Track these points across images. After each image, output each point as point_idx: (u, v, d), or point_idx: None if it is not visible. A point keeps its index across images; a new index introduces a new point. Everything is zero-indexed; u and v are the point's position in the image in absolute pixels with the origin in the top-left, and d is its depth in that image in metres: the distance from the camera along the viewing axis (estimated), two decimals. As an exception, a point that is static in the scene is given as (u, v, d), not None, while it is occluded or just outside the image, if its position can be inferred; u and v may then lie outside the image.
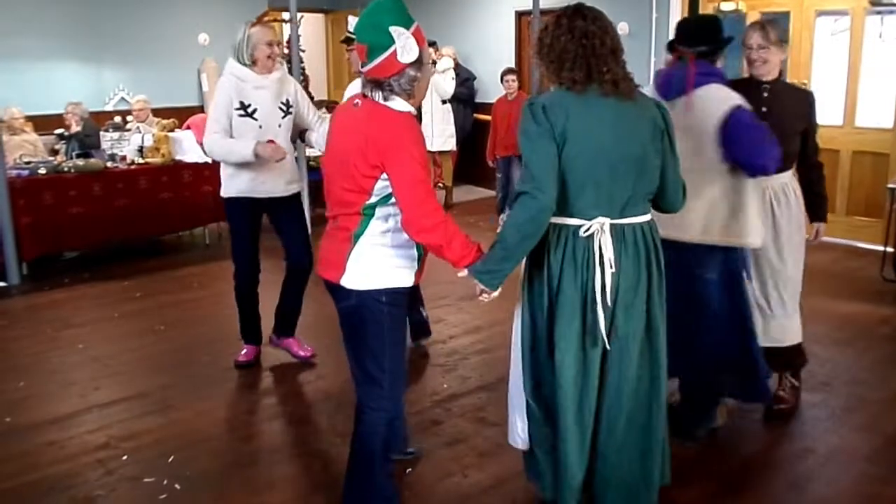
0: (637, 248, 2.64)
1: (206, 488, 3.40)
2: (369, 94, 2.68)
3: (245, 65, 4.18)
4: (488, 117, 8.60)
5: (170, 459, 3.62)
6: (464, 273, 2.68)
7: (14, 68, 9.11)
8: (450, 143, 9.35)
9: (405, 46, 2.60)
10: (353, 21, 4.67)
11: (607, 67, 2.56)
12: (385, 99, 2.65)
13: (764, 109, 3.64)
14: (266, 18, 4.47)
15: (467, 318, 5.41)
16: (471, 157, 9.76)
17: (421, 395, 4.25)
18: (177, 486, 3.40)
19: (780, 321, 3.79)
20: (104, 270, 6.84)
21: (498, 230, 7.78)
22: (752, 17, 7.86)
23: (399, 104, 2.67)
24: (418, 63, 2.64)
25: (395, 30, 2.58)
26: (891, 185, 6.16)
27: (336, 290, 2.80)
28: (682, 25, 3.62)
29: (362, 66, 2.68)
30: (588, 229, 2.59)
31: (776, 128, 3.39)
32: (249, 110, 4.15)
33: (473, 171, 10.06)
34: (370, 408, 2.87)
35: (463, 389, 4.34)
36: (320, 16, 12.63)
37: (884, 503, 3.25)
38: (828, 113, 7.52)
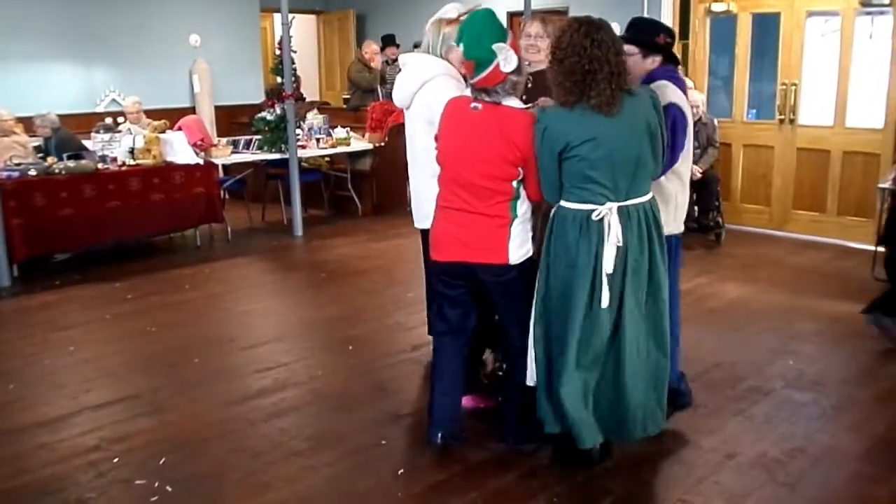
0: (640, 224, 3.19)
1: (198, 490, 3.39)
2: (484, 99, 3.16)
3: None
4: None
5: (161, 461, 3.61)
6: None
7: (4, 69, 9.10)
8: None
9: (506, 59, 3.06)
10: (455, 8, 4.17)
11: (596, 92, 3.01)
12: (500, 101, 3.16)
13: (523, 97, 3.85)
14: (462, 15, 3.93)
15: (459, 319, 5.39)
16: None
17: (413, 396, 4.25)
18: (168, 488, 3.39)
19: None
20: (95, 272, 6.81)
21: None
22: (743, 17, 7.89)
23: (515, 102, 3.20)
24: (518, 70, 3.13)
25: (497, 47, 3.05)
26: (881, 185, 6.18)
27: (495, 269, 3.29)
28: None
29: (471, 79, 3.16)
30: (599, 213, 3.12)
31: None
32: None
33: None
34: (527, 345, 3.40)
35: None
36: (312, 17, 12.63)
37: (876, 503, 3.26)
38: (819, 113, 7.57)
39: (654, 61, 3.58)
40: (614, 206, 3.12)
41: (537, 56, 3.98)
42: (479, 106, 3.17)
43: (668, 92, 3.50)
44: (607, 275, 3.15)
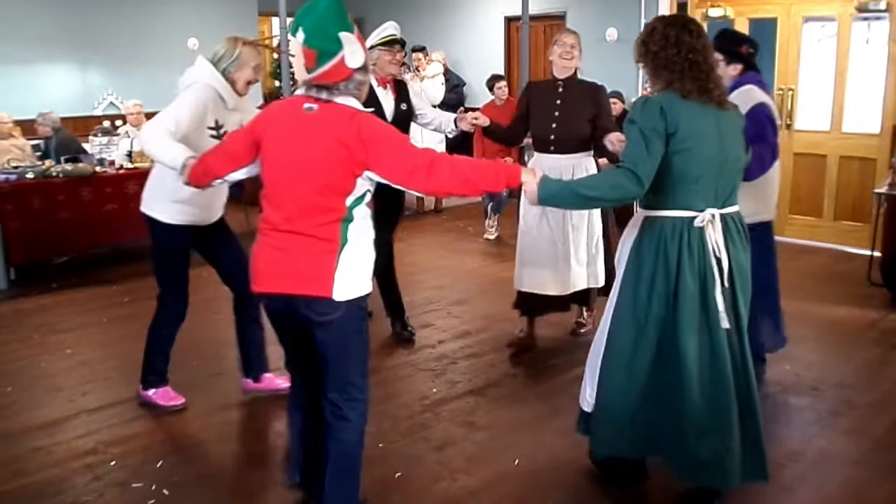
0: (739, 234, 3.01)
1: (194, 493, 3.39)
2: (321, 98, 2.70)
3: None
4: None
5: (158, 465, 3.61)
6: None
7: (2, 72, 9.08)
8: (439, 149, 9.39)
9: (353, 52, 2.65)
10: (394, 26, 4.86)
11: (712, 83, 2.92)
12: (336, 100, 2.69)
13: (558, 102, 4.58)
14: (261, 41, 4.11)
15: (456, 323, 5.41)
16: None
17: (410, 400, 4.25)
18: (165, 491, 3.39)
19: (583, 270, 4.71)
20: (92, 275, 6.81)
21: (486, 235, 7.85)
22: (740, 22, 7.91)
23: (355, 103, 2.72)
24: (364, 68, 2.72)
25: (344, 36, 2.64)
26: (878, 190, 6.19)
27: (317, 304, 2.71)
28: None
29: (309, 72, 2.70)
30: (702, 220, 2.90)
31: (569, 115, 4.53)
32: (221, 132, 3.81)
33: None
34: (355, 415, 2.87)
35: (452, 394, 4.34)
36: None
37: (871, 506, 3.27)
38: (815, 118, 7.59)
39: (735, 68, 4.00)
40: (716, 212, 2.93)
41: (571, 63, 4.59)
42: (315, 106, 2.68)
43: (757, 94, 3.91)
44: (723, 291, 2.92)
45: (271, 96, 8.68)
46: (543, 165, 4.53)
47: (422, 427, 3.94)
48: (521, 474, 3.49)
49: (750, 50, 4.07)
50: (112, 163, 7.31)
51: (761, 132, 3.83)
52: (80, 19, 9.72)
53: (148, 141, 3.49)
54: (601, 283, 4.78)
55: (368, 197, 2.78)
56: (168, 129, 3.50)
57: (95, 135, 7.86)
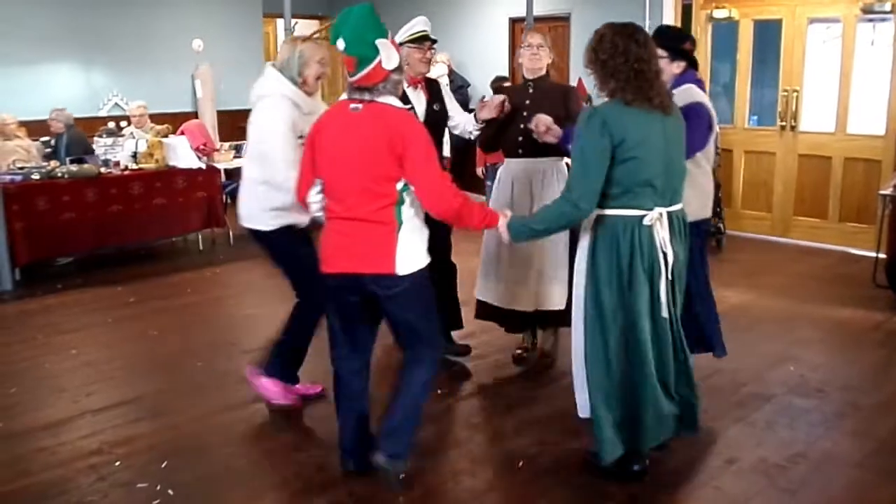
0: (682, 231, 3.26)
1: (199, 494, 3.39)
2: (364, 98, 3.06)
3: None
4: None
5: (163, 465, 3.61)
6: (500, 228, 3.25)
7: (7, 73, 9.11)
8: (445, 149, 9.40)
9: (388, 56, 3.02)
10: (424, 21, 4.88)
11: (654, 91, 3.09)
12: (378, 99, 3.06)
13: (527, 102, 4.33)
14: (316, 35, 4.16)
15: (461, 324, 5.40)
16: (464, 164, 9.77)
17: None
18: (170, 491, 3.39)
19: (548, 288, 4.42)
20: (97, 276, 6.83)
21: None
22: (745, 24, 7.90)
23: (396, 102, 3.10)
24: (399, 69, 3.08)
25: (380, 42, 3.00)
26: (882, 192, 6.18)
27: (382, 281, 3.10)
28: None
29: (351, 76, 3.07)
30: (650, 219, 3.11)
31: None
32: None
33: (467, 177, 10.07)
34: (424, 367, 3.29)
35: (456, 395, 4.34)
36: (315, 22, 12.65)
37: (876, 508, 3.26)
38: (820, 120, 7.57)
39: (679, 66, 3.95)
40: (664, 211, 3.15)
41: (538, 64, 4.41)
42: (360, 106, 3.06)
43: (695, 92, 3.90)
44: (666, 283, 3.17)
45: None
46: (513, 170, 4.47)
47: (425, 429, 3.93)
48: (524, 476, 3.49)
49: (691, 46, 4.10)
50: (117, 164, 7.33)
51: (690, 129, 3.72)
52: (84, 20, 9.74)
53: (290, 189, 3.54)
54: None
55: None
56: (295, 164, 3.49)
57: (100, 136, 7.89)
